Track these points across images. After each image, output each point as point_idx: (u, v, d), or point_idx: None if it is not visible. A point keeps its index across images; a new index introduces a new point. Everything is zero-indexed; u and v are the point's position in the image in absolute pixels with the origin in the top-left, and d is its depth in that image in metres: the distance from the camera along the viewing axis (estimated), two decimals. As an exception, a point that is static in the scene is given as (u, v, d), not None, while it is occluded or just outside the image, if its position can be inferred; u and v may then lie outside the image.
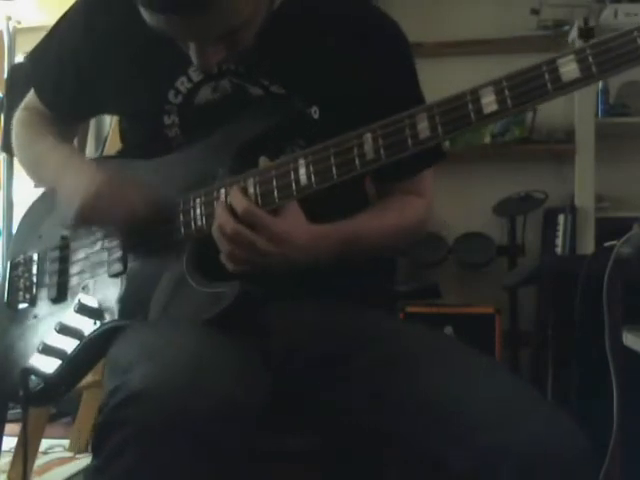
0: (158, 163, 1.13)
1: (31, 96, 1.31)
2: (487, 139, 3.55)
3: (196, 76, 1.11)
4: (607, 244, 1.70)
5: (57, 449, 2.75)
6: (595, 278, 1.68)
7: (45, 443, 2.64)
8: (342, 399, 1.01)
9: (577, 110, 3.49)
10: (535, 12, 3.25)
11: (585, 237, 3.42)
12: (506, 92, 0.84)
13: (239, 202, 0.97)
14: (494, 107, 0.85)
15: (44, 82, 1.27)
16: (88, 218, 1.08)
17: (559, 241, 3.45)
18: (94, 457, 0.86)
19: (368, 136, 0.92)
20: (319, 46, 1.10)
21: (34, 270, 1.23)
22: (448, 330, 3.19)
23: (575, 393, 1.88)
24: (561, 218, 3.46)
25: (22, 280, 1.25)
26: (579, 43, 3.09)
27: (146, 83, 1.13)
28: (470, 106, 0.86)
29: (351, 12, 1.14)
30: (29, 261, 1.25)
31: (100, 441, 0.84)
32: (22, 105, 1.33)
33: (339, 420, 1.01)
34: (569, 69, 0.82)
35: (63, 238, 1.21)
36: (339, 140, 0.94)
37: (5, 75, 3.25)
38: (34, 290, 1.22)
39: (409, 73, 1.18)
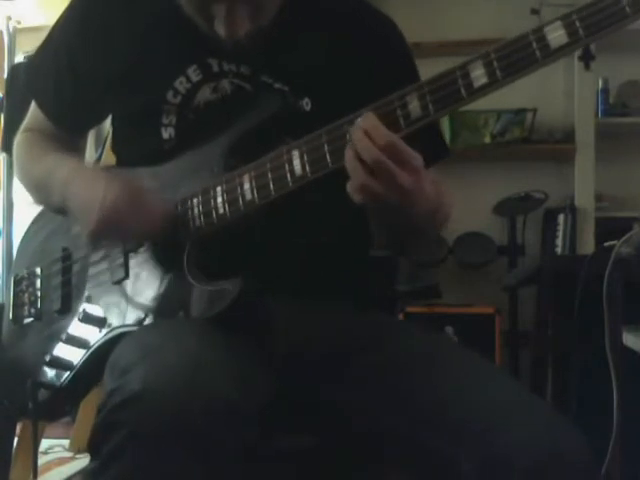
0: (155, 170, 1.10)
1: (31, 116, 1.26)
2: (487, 139, 3.55)
3: (195, 76, 1.10)
4: (607, 244, 1.70)
5: (57, 449, 2.75)
6: (595, 278, 1.68)
7: (45, 443, 2.64)
8: (343, 400, 1.00)
9: (577, 110, 3.49)
10: (535, 12, 3.24)
11: (585, 237, 3.42)
12: (495, 64, 0.84)
13: (381, 134, 0.85)
14: (484, 80, 0.84)
15: (44, 92, 1.22)
16: (106, 233, 1.05)
17: (559, 241, 3.45)
18: (92, 459, 0.85)
19: (360, 121, 0.90)
20: (320, 42, 1.11)
21: (38, 284, 1.22)
22: (448, 330, 3.19)
23: (575, 394, 1.87)
24: (561, 218, 3.46)
25: (26, 295, 1.24)
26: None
27: (144, 83, 1.11)
28: (460, 81, 0.85)
29: (347, 7, 1.15)
30: (32, 275, 1.24)
31: (98, 443, 0.83)
32: (22, 128, 1.27)
33: (341, 420, 1.01)
34: (556, 35, 0.82)
35: (64, 249, 1.20)
36: (331, 127, 0.92)
37: (5, 75, 3.25)
38: (39, 304, 1.21)
39: (408, 65, 1.18)
